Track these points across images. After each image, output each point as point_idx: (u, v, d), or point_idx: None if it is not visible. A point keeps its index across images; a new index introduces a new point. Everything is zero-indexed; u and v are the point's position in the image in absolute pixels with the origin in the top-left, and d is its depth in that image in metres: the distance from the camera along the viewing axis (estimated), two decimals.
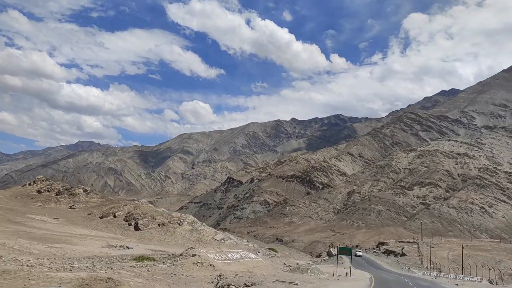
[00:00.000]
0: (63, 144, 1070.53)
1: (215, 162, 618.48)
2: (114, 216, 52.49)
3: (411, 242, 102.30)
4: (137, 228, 47.97)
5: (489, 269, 58.39)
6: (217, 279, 17.98)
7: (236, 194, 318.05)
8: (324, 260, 76.36)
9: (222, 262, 22.13)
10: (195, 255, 20.30)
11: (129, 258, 20.41)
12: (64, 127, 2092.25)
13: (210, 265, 19.99)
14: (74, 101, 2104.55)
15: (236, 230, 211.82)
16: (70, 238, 32.88)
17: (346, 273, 38.39)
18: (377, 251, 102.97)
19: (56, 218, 49.83)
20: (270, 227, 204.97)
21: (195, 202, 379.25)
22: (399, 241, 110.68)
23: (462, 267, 62.54)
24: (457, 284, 42.80)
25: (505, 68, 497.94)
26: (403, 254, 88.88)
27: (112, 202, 65.46)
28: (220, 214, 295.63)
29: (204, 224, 53.46)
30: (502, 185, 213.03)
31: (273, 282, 19.43)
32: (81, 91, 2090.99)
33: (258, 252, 47.00)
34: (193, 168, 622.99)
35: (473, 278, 53.28)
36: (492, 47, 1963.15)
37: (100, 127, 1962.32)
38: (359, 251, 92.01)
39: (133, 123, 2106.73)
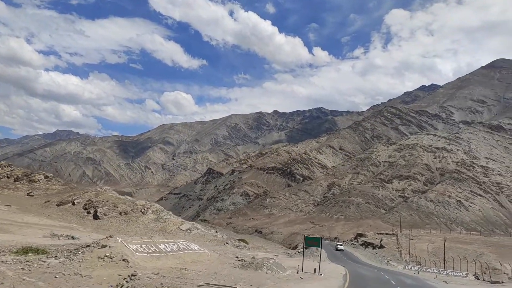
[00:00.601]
0: (40, 133, 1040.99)
1: (196, 153, 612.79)
2: (73, 203, 48.34)
3: (390, 234, 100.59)
4: (96, 216, 44.05)
5: (472, 263, 56.28)
6: (126, 281, 13.55)
7: (216, 186, 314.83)
8: (299, 252, 73.81)
9: (147, 255, 17.59)
10: (105, 246, 15.76)
11: (14, 250, 16.29)
12: (42, 115, 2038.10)
13: (123, 260, 15.39)
14: (53, 89, 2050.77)
15: (215, 222, 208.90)
16: (9, 227, 29.05)
17: (315, 269, 32.40)
18: (355, 243, 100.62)
19: (8, 205, 45.59)
20: (250, 218, 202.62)
21: (174, 193, 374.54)
22: (377, 233, 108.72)
23: (444, 260, 60.09)
24: (446, 282, 38.91)
25: (483, 65, 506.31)
26: (381, 246, 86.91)
27: (75, 190, 61.08)
28: (200, 205, 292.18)
29: (170, 213, 49.83)
30: (479, 179, 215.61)
31: (199, 286, 14.61)
32: (59, 79, 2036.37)
33: (227, 243, 43.71)
34: (173, 159, 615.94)
35: (457, 272, 50.52)
36: (471, 44, 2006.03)
37: (79, 116, 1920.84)
38: (341, 245, 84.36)
39: (113, 113, 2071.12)
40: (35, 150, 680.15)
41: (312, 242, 34.19)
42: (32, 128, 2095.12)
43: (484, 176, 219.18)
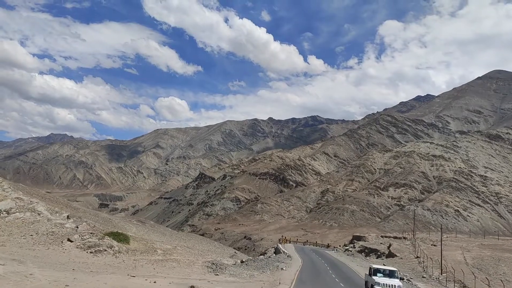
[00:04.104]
0: (35, 136, 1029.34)
1: (190, 158, 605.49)
2: None
3: (400, 238, 77.02)
4: None
5: None
6: None
7: (207, 191, 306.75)
8: (243, 262, 47.53)
9: None
10: None
11: None
12: (36, 119, 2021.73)
13: None
14: (47, 92, 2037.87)
15: (203, 227, 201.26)
16: None
17: None
18: (350, 248, 73.46)
19: None
20: (239, 224, 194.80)
21: (165, 198, 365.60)
22: (382, 236, 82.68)
23: None
24: None
25: (479, 76, 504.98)
26: (391, 255, 61.34)
27: None
28: (189, 210, 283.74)
29: (3, 184, 36.37)
30: (477, 188, 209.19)
31: None
32: (54, 82, 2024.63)
33: (69, 240, 28.62)
34: (166, 164, 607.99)
35: None
36: (463, 56, 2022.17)
37: (73, 120, 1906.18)
38: (399, 277, 31.00)
39: (108, 118, 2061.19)
40: (27, 152, 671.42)
41: None
42: (26, 131, 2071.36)
43: (482, 186, 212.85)
